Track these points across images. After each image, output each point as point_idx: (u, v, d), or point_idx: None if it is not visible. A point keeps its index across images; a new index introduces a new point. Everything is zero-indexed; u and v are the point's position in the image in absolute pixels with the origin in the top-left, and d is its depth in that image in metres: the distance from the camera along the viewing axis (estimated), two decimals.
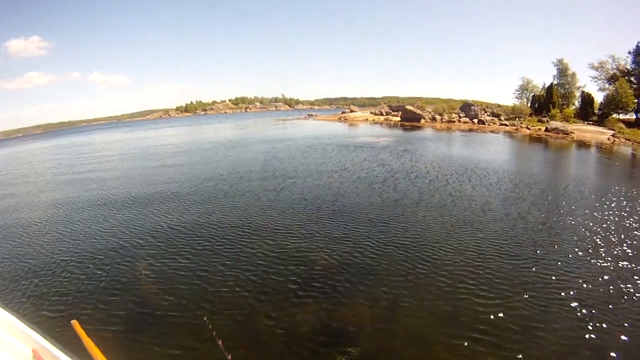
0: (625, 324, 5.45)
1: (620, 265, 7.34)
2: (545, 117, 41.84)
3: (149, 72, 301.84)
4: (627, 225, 9.63)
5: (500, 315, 5.67)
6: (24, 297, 6.78)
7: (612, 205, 11.29)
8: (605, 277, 6.84)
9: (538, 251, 7.95)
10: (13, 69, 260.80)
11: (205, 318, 5.63)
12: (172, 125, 74.14)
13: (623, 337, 5.16)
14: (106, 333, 5.49)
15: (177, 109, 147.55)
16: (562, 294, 6.27)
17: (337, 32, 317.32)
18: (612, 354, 4.84)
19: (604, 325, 5.41)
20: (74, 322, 2.68)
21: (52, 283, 7.25)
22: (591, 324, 5.45)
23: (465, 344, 5.06)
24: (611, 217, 10.12)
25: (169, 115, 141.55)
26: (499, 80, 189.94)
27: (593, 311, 5.74)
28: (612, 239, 8.68)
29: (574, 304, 5.94)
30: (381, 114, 58.01)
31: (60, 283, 7.24)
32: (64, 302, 6.52)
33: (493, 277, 6.79)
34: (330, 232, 9.17)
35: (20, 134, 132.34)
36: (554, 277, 6.80)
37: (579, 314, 5.71)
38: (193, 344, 5.22)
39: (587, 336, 5.18)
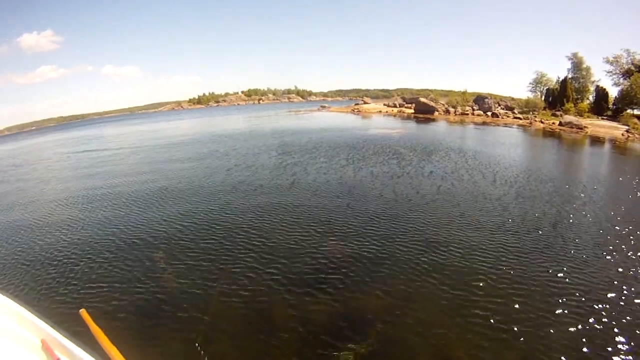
0: (633, 321, 5.48)
1: (632, 263, 7.31)
2: (559, 111, 41.88)
3: (161, 64, 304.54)
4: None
5: (514, 308, 5.74)
6: (33, 287, 6.85)
7: (625, 203, 11.19)
8: (617, 275, 6.84)
9: (551, 248, 7.93)
10: (26, 64, 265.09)
11: (216, 308, 5.73)
12: (183, 118, 71.96)
13: (632, 334, 5.19)
14: (115, 321, 5.52)
15: (189, 100, 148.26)
16: (575, 289, 6.29)
17: (351, 24, 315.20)
18: (623, 349, 4.90)
19: (613, 322, 5.43)
20: (82, 311, 2.83)
21: (61, 273, 7.33)
22: (601, 319, 5.47)
23: (478, 335, 5.14)
24: (624, 216, 9.99)
25: (181, 107, 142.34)
26: (513, 73, 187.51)
27: (602, 307, 5.78)
28: (625, 237, 8.61)
29: (585, 300, 5.96)
30: (394, 106, 58.42)
31: (68, 273, 7.31)
32: (72, 291, 6.58)
33: (506, 271, 6.85)
34: (344, 225, 9.19)
35: (34, 127, 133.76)
36: (567, 273, 6.81)
37: (589, 310, 5.72)
38: (204, 334, 5.23)
39: (596, 332, 5.22)
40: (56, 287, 6.81)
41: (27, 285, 7.00)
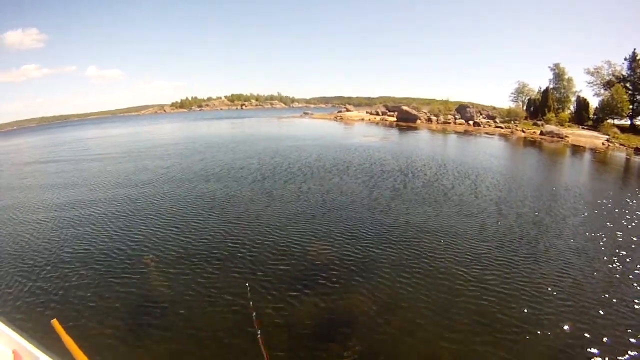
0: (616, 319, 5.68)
1: (612, 265, 7.60)
2: (540, 120, 41.94)
3: (144, 68, 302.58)
4: (619, 227, 9.78)
5: (499, 310, 5.82)
6: (3, 296, 6.62)
7: (604, 209, 11.43)
8: (598, 276, 7.09)
9: (534, 251, 8.10)
10: (9, 61, 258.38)
11: (193, 315, 5.68)
12: (163, 123, 72.49)
13: (614, 333, 5.34)
14: (87, 331, 5.45)
15: (172, 104, 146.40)
16: (558, 290, 6.45)
17: (334, 32, 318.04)
18: (607, 349, 5.01)
19: (596, 322, 5.61)
20: (54, 321, 2.57)
21: (32, 281, 7.11)
22: (584, 321, 5.61)
23: (464, 337, 5.20)
24: (604, 221, 10.24)
25: (164, 110, 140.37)
26: (495, 82, 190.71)
27: (585, 309, 5.93)
28: (604, 240, 8.90)
29: (565, 301, 6.14)
30: (377, 114, 57.87)
31: (40, 281, 7.11)
32: (44, 300, 6.40)
33: (490, 274, 6.97)
34: (329, 229, 9.26)
35: (15, 127, 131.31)
36: (549, 275, 6.98)
37: (571, 310, 5.90)
38: (177, 341, 5.19)
39: (580, 334, 5.33)
40: (28, 296, 6.63)
41: None
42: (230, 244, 8.38)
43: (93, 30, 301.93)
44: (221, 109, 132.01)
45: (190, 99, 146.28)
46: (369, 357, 4.84)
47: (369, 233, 9.01)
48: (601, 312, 5.85)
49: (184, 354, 4.93)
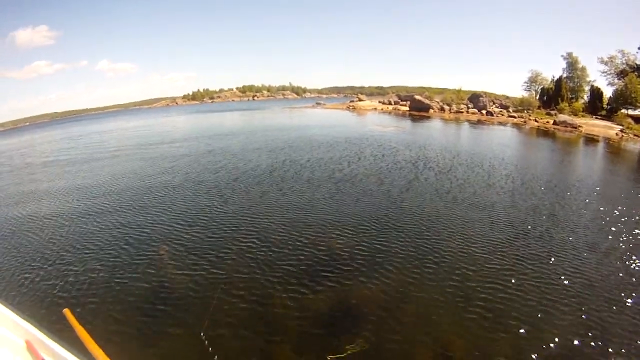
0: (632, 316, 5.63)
1: (628, 262, 7.41)
2: (553, 110, 41.97)
3: (156, 61, 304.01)
4: (635, 222, 9.64)
5: (511, 301, 5.86)
6: (17, 287, 6.70)
7: (619, 202, 11.25)
8: (610, 269, 7.04)
9: (548, 242, 8.11)
10: (20, 59, 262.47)
11: (208, 305, 5.63)
12: (173, 115, 72.04)
13: (628, 329, 5.32)
14: (99, 320, 5.49)
15: (184, 97, 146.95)
16: (571, 283, 6.47)
17: (346, 21, 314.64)
18: (621, 343, 5.01)
19: (610, 317, 5.58)
20: (66, 311, 2.72)
21: (45, 272, 7.21)
22: (596, 314, 5.62)
23: (476, 328, 5.25)
24: (618, 215, 10.07)
25: (176, 103, 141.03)
26: (508, 71, 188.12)
27: (598, 302, 5.92)
28: (619, 234, 8.75)
29: (580, 294, 6.13)
30: (389, 103, 58.05)
31: (52, 272, 7.20)
32: (56, 290, 6.48)
33: (503, 264, 7.03)
34: (341, 218, 9.32)
35: (28, 123, 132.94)
36: (563, 266, 7.01)
37: (585, 303, 5.87)
38: (190, 332, 5.18)
39: (593, 325, 5.37)
40: (40, 285, 6.69)
41: (10, 283, 6.88)
42: (242, 234, 8.44)
43: (103, 25, 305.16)
44: (233, 101, 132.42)
45: (201, 90, 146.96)
46: (381, 346, 4.90)
47: (381, 223, 9.04)
48: (614, 309, 5.77)
49: (197, 345, 4.91)
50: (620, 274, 6.88)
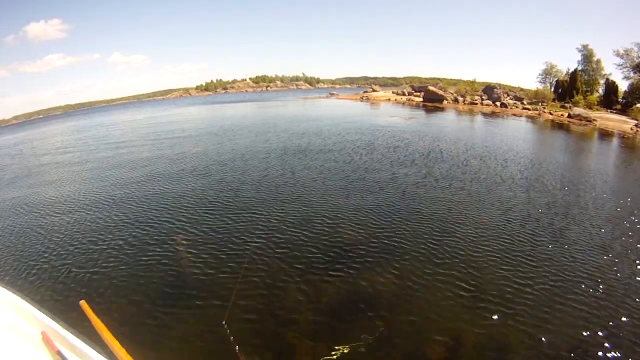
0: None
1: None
2: (568, 103, 41.97)
3: (168, 52, 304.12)
4: None
5: (524, 294, 5.93)
6: (33, 278, 6.77)
7: (633, 197, 11.20)
8: (625, 266, 7.03)
9: (561, 238, 8.14)
10: (33, 53, 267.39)
11: (231, 296, 5.58)
12: (186, 106, 71.51)
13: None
14: (116, 312, 5.51)
15: (197, 87, 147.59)
16: (585, 277, 6.53)
17: (359, 11, 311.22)
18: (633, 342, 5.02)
19: (624, 312, 5.60)
20: (82, 303, 2.71)
21: (61, 263, 7.25)
22: (611, 309, 5.65)
23: (488, 320, 5.32)
24: (632, 210, 10.08)
25: (189, 94, 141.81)
26: (523, 63, 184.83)
27: (612, 299, 5.92)
28: (633, 230, 8.75)
29: (595, 290, 6.14)
30: (403, 94, 58.48)
31: (68, 263, 7.24)
32: (73, 282, 6.53)
33: (516, 257, 7.11)
34: (356, 208, 9.49)
35: (41, 115, 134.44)
36: (576, 261, 7.07)
37: (598, 299, 5.90)
38: (207, 322, 5.22)
39: (606, 320, 5.40)
40: (56, 277, 6.74)
41: (26, 274, 6.95)
42: (257, 224, 8.56)
43: (115, 18, 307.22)
44: (246, 91, 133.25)
45: (215, 81, 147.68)
46: (392, 336, 4.95)
47: (394, 213, 9.20)
48: (629, 306, 5.78)
49: (215, 336, 4.91)
50: (636, 271, 6.86)
